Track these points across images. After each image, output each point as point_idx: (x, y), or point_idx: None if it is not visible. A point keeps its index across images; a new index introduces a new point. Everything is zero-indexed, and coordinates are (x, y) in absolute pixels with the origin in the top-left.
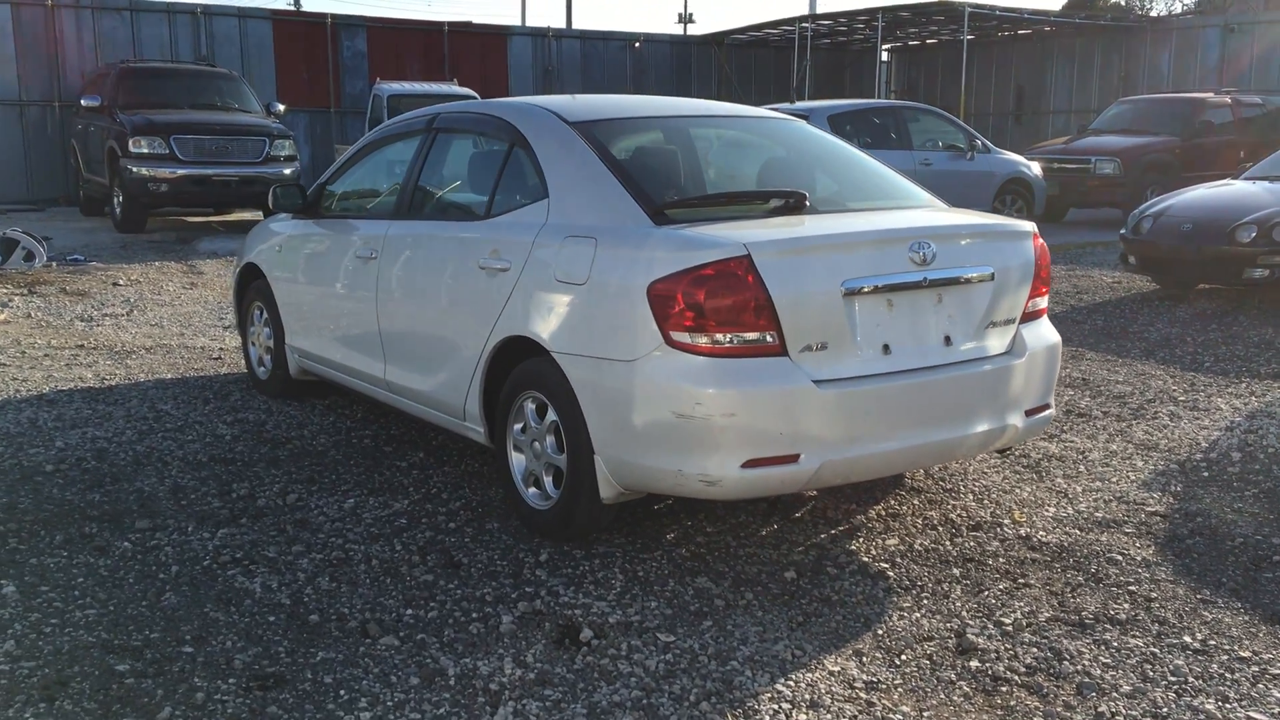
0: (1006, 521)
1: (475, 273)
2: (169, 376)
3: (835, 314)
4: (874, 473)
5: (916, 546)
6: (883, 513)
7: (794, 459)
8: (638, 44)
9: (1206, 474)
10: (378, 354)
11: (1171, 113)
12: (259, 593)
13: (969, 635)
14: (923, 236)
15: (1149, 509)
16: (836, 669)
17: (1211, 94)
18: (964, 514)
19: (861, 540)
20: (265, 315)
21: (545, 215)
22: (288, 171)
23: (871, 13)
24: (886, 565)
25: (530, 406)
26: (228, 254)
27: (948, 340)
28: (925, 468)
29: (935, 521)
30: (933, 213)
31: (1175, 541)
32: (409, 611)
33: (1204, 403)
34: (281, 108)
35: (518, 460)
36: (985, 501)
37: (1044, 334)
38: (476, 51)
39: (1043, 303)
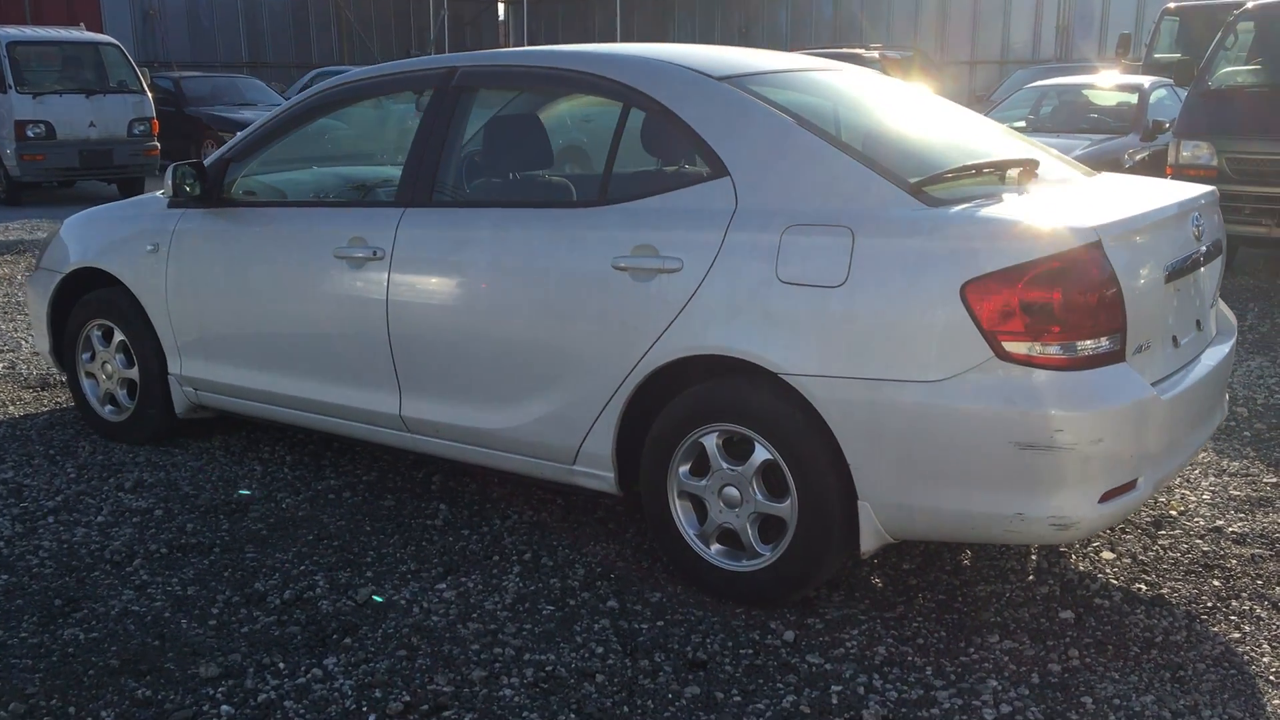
0: (1173, 513)
1: (608, 275)
2: None
3: (1157, 305)
4: (1163, 486)
5: (1140, 558)
6: None
7: (1133, 485)
8: None
9: (1269, 435)
10: (385, 385)
11: None
12: None
13: None
14: (1196, 208)
15: (1267, 480)
16: None
17: (863, 50)
18: None
19: (1073, 558)
20: (121, 339)
21: (732, 199)
22: None
23: None
24: (1144, 586)
25: (713, 443)
26: None
27: (1198, 325)
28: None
29: None
30: (1160, 181)
31: None
32: None
33: None
34: None
35: (684, 511)
36: None
37: (1229, 311)
38: None
39: None
